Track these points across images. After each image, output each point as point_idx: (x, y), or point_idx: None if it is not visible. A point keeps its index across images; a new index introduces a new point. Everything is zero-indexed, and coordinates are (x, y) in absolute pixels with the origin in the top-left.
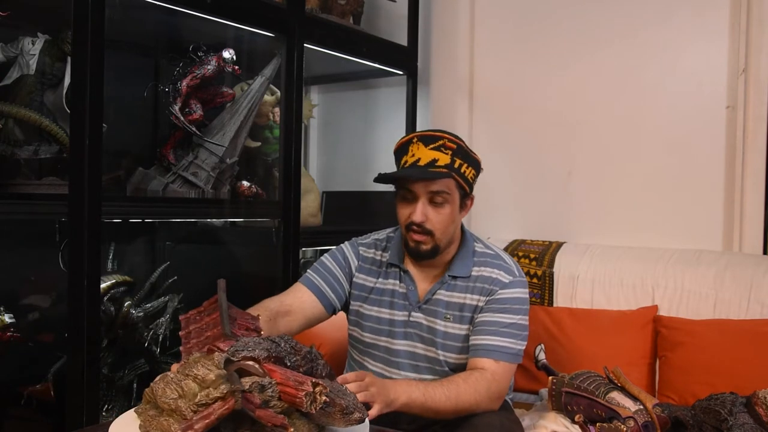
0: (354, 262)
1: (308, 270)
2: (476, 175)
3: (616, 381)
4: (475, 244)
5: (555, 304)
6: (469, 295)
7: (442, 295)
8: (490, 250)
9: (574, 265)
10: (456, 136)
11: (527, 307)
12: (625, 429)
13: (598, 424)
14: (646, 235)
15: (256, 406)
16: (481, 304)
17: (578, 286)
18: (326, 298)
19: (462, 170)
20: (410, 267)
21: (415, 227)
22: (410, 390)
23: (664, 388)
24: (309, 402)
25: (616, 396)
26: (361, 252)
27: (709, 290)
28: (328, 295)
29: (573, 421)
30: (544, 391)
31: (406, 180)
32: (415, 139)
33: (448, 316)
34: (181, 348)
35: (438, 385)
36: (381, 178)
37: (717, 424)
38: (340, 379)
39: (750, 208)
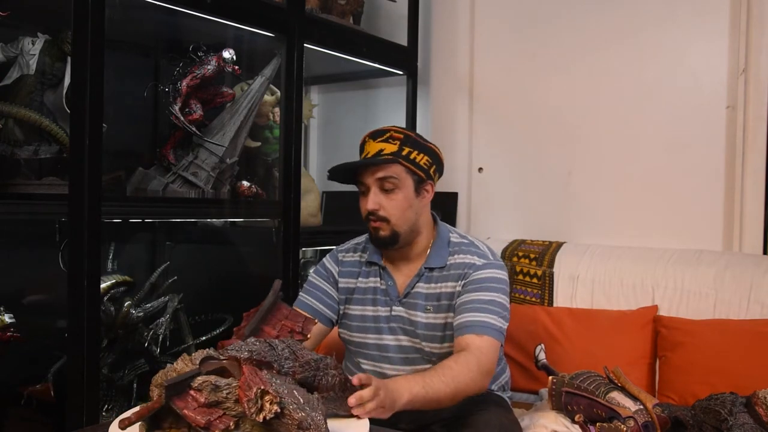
0: (335, 269)
1: (300, 292)
2: (432, 162)
3: (616, 381)
4: (450, 234)
5: (555, 304)
6: (444, 283)
7: (421, 287)
8: (465, 239)
9: (574, 265)
10: (407, 128)
11: (506, 288)
12: (625, 429)
13: (598, 424)
14: (646, 235)
15: (198, 404)
16: (458, 289)
17: (578, 286)
18: (323, 316)
19: (411, 156)
20: (388, 264)
21: (371, 216)
22: (410, 386)
23: (664, 388)
24: (254, 409)
25: (616, 396)
26: (340, 258)
27: (709, 290)
28: (323, 312)
29: (573, 421)
30: (544, 391)
31: (357, 171)
32: (366, 138)
33: (428, 308)
34: (219, 342)
35: (434, 373)
36: (332, 171)
37: (717, 424)
38: (353, 399)
39: (750, 208)
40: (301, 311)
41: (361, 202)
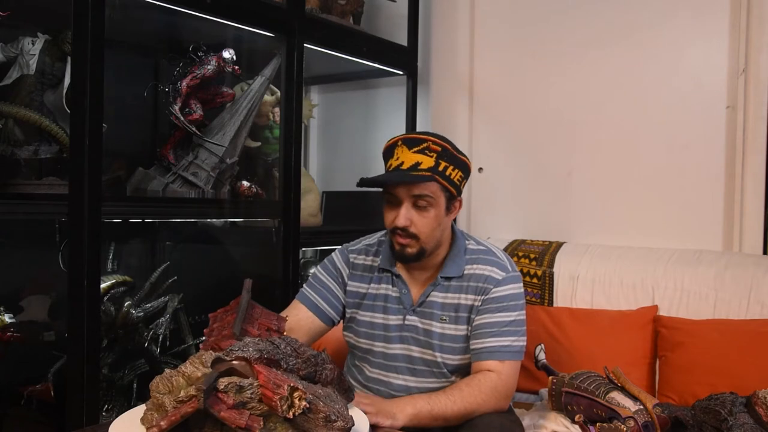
0: (345, 271)
1: (304, 285)
2: (464, 178)
3: (616, 381)
4: (467, 242)
5: (555, 304)
6: (463, 295)
7: (436, 297)
8: (482, 247)
9: (574, 265)
10: (443, 138)
11: (523, 302)
12: (625, 429)
13: (598, 424)
14: (646, 235)
15: (228, 406)
16: (477, 303)
17: (578, 286)
18: (323, 313)
19: (447, 173)
20: (402, 271)
21: (399, 231)
22: (414, 401)
23: (664, 388)
24: (285, 406)
25: (616, 396)
26: (351, 259)
27: (709, 290)
28: (324, 309)
29: (573, 421)
30: (544, 391)
31: (390, 185)
32: (399, 142)
33: (444, 318)
34: (201, 345)
35: (441, 393)
36: (364, 183)
37: (717, 424)
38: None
39: (750, 208)
40: (268, 311)
41: (388, 213)
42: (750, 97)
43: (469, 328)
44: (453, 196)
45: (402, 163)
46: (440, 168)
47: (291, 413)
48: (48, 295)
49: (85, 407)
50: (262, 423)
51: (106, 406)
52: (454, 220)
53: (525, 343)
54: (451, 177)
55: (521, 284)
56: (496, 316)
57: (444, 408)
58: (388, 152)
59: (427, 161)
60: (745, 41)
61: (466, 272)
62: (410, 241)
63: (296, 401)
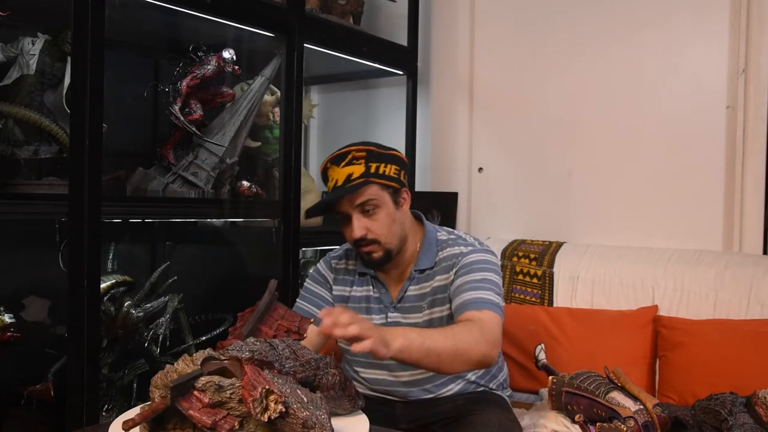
0: (329, 276)
1: (297, 299)
2: (400, 169)
3: (616, 381)
4: (438, 233)
5: (555, 304)
6: (435, 279)
7: (413, 290)
8: (452, 235)
9: (574, 265)
10: (365, 143)
11: (497, 269)
12: (625, 429)
13: (598, 423)
14: (646, 235)
15: (202, 405)
16: (450, 278)
17: (578, 286)
18: (319, 321)
19: (380, 171)
20: (379, 272)
21: (360, 243)
22: (406, 332)
23: (664, 388)
24: (259, 409)
25: (617, 396)
26: (333, 265)
27: (709, 290)
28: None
29: (573, 421)
30: (544, 391)
31: (334, 202)
32: (328, 164)
33: (424, 306)
34: (217, 343)
35: (434, 330)
36: (310, 212)
37: (717, 424)
38: (325, 310)
39: (750, 208)
40: (293, 312)
41: (345, 232)
42: (750, 97)
43: (449, 306)
44: (397, 190)
45: (336, 181)
46: (372, 170)
47: (266, 416)
48: (48, 295)
49: (85, 407)
50: (237, 424)
51: (106, 406)
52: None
53: (503, 305)
54: (386, 173)
55: (493, 256)
56: (467, 276)
57: (436, 342)
58: (324, 177)
59: (358, 169)
60: (745, 41)
61: (437, 259)
62: (373, 247)
63: (271, 404)
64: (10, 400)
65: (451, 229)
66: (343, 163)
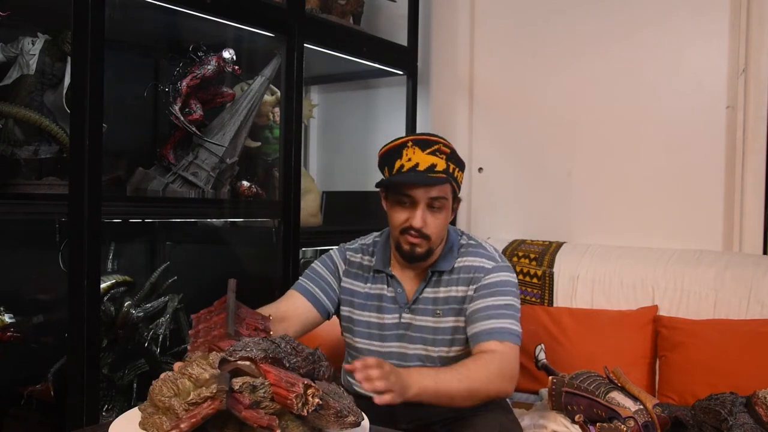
0: (341, 266)
1: (300, 277)
2: (463, 178)
3: (616, 381)
4: (459, 238)
5: (555, 304)
6: (453, 287)
7: (429, 292)
8: (472, 241)
9: (574, 265)
10: (447, 140)
11: (516, 291)
12: (625, 429)
13: (598, 424)
14: (646, 235)
15: (245, 406)
16: (470, 293)
17: (578, 286)
18: (320, 303)
19: (455, 175)
20: (396, 271)
21: (412, 231)
22: (421, 378)
23: (664, 388)
24: (300, 404)
25: (616, 396)
26: (348, 257)
27: (709, 290)
28: (321, 299)
29: (573, 421)
30: (544, 391)
31: (407, 185)
32: (410, 143)
33: (438, 312)
34: (188, 346)
35: (448, 369)
36: (384, 183)
37: (717, 424)
38: (359, 362)
39: (750, 208)
40: (253, 311)
41: (399, 213)
42: (750, 97)
43: (462, 319)
44: (456, 198)
45: (417, 164)
46: (450, 170)
47: (305, 410)
48: (48, 295)
49: (85, 407)
50: (277, 421)
51: (106, 406)
52: None
53: (521, 331)
54: (458, 179)
55: (513, 274)
56: (490, 300)
57: (450, 386)
58: (395, 152)
59: (441, 163)
60: (745, 41)
61: (456, 265)
62: (421, 242)
63: (310, 398)
64: (10, 400)
65: (470, 235)
66: (429, 150)
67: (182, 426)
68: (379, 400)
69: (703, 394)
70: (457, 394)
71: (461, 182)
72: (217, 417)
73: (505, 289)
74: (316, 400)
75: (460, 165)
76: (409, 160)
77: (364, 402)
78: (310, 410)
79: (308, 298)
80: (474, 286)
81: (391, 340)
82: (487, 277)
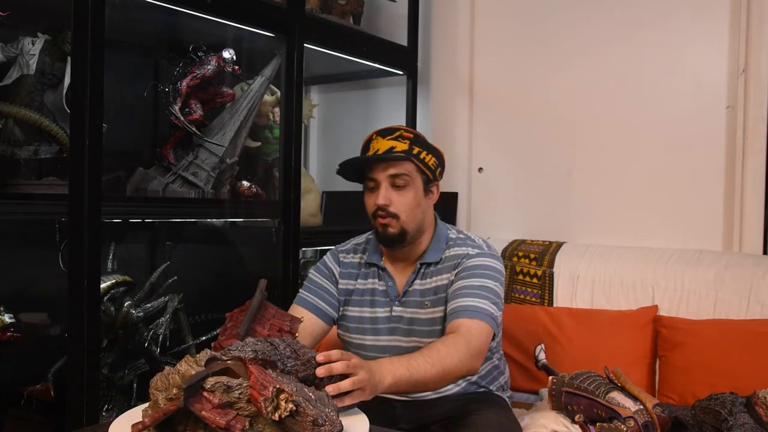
0: (336, 269)
1: (300, 290)
2: (439, 164)
3: (616, 381)
4: (449, 231)
5: (555, 304)
6: (439, 276)
7: (418, 284)
8: (462, 235)
9: (574, 265)
10: (414, 130)
11: (500, 277)
12: (625, 429)
13: (598, 424)
14: (646, 235)
15: (213, 405)
16: (452, 278)
17: (578, 286)
18: (323, 313)
19: (421, 156)
20: (387, 264)
21: (380, 212)
22: (394, 369)
23: (664, 388)
24: (270, 408)
25: (616, 396)
26: (341, 258)
27: (709, 290)
28: (324, 309)
29: (573, 421)
30: (544, 391)
31: (366, 167)
32: (374, 135)
33: (427, 303)
34: (213, 344)
35: (419, 355)
36: (343, 165)
37: (717, 424)
38: (322, 355)
39: (750, 208)
40: (283, 312)
41: (369, 198)
42: (750, 97)
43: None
44: (429, 180)
45: (378, 150)
46: (414, 152)
47: (276, 415)
48: (48, 295)
49: (85, 407)
50: (247, 424)
51: (106, 406)
52: (437, 210)
53: (499, 315)
54: (426, 161)
55: (498, 262)
56: (467, 281)
57: (422, 372)
58: (365, 147)
59: (401, 145)
60: (745, 41)
61: (444, 256)
62: (390, 221)
63: (282, 403)
64: (10, 400)
65: (460, 229)
66: (389, 137)
67: (146, 421)
68: (349, 400)
69: (703, 394)
70: (430, 380)
71: (434, 166)
72: (186, 415)
73: (485, 272)
74: (290, 405)
75: (429, 149)
76: (373, 148)
77: (364, 402)
78: (282, 415)
79: (311, 311)
80: (456, 270)
81: (384, 334)
82: (468, 261)
